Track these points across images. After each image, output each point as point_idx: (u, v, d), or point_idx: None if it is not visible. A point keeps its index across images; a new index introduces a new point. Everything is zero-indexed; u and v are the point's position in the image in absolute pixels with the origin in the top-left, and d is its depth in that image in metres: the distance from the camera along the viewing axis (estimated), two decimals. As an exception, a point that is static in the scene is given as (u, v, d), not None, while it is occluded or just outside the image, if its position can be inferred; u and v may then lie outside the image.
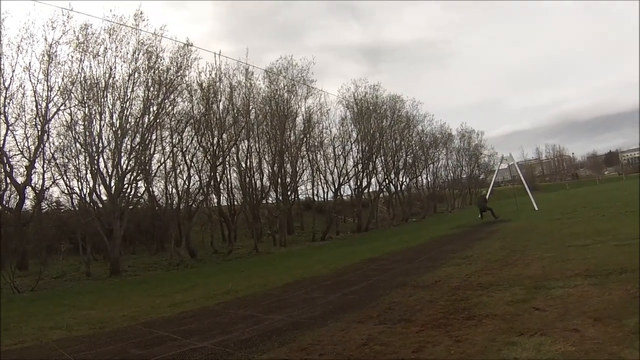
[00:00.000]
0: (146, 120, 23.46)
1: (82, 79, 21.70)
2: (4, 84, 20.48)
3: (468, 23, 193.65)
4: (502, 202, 46.71)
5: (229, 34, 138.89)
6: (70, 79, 21.47)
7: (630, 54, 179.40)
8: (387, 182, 47.73)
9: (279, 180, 33.08)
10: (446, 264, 11.86)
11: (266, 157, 33.71)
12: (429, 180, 61.29)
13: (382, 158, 46.20)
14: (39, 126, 20.81)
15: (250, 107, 31.62)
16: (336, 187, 39.65)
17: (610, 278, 7.27)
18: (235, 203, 32.01)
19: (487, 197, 19.83)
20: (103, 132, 22.20)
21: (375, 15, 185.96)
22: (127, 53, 22.91)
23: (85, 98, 21.74)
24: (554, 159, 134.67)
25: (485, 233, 20.01)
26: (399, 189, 50.37)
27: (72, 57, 21.58)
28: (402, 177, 51.47)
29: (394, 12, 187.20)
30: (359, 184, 42.20)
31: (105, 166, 22.63)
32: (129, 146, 22.96)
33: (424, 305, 7.42)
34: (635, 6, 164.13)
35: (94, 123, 22.01)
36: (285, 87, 33.71)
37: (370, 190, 45.71)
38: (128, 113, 22.79)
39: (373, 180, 45.17)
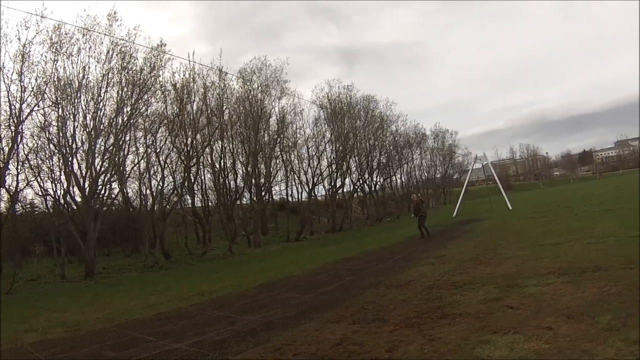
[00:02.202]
0: (120, 120, 23.64)
1: (55, 79, 21.78)
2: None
3: (443, 26, 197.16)
4: (476, 201, 48.04)
5: (207, 34, 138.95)
6: (43, 80, 21.51)
7: (601, 55, 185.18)
8: (361, 182, 48.42)
9: (253, 180, 33.35)
10: (420, 263, 12.16)
11: (240, 157, 34.03)
12: (403, 180, 62.25)
13: (356, 158, 46.80)
14: (12, 127, 20.78)
15: (224, 107, 31.96)
16: (310, 187, 40.15)
17: (583, 276, 7.54)
18: (210, 204, 32.31)
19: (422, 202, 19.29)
20: (77, 133, 22.34)
21: (353, 19, 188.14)
22: (101, 53, 23.15)
23: (58, 99, 21.82)
24: (528, 158, 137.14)
25: (459, 232, 20.45)
26: (373, 189, 51.01)
27: (45, 57, 21.66)
28: (376, 177, 52.11)
29: (371, 16, 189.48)
30: (333, 184, 42.76)
31: (79, 167, 22.76)
32: (102, 147, 23.18)
33: (398, 304, 7.63)
34: (605, 7, 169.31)
35: (68, 124, 22.11)
36: (259, 88, 34.00)
37: (345, 190, 46.44)
38: (102, 114, 22.98)
39: (347, 180, 45.84)
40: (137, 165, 26.84)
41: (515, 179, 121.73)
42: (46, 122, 21.98)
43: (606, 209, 19.45)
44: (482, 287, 7.90)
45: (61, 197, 22.73)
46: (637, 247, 8.97)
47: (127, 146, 25.17)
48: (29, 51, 21.18)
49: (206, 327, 7.90)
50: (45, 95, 21.71)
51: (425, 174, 68.36)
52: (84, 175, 22.49)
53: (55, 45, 21.87)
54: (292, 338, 6.44)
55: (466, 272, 9.74)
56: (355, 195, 49.32)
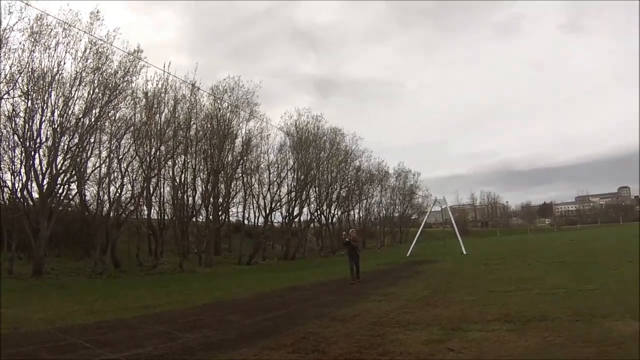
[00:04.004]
0: (87, 121, 23.71)
1: (29, 69, 21.78)
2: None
3: (417, 67, 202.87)
4: (432, 243, 49.05)
5: (187, 47, 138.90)
6: (18, 69, 21.52)
7: (568, 110, 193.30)
8: (318, 213, 49.11)
9: (212, 199, 33.75)
10: (367, 299, 12.35)
11: (201, 174, 34.20)
12: (361, 215, 63.40)
13: (317, 189, 47.60)
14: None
15: (192, 122, 32.35)
16: (267, 212, 40.47)
17: (528, 325, 7.69)
18: (166, 217, 32.30)
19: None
20: (43, 127, 22.33)
21: (333, 50, 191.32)
22: (78, 50, 23.27)
23: (30, 90, 21.80)
24: (488, 205, 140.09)
25: (410, 272, 20.95)
26: (330, 221, 51.67)
27: (23, 45, 21.72)
28: (334, 210, 52.96)
29: (350, 49, 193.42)
30: (290, 211, 43.36)
31: (40, 163, 22.66)
32: (66, 146, 23.14)
33: (340, 337, 7.68)
34: (577, 65, 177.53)
35: (35, 117, 22.07)
36: (229, 107, 34.74)
37: (302, 219, 46.82)
38: (70, 112, 23.01)
39: (305, 209, 46.58)
40: (98, 169, 26.86)
41: (473, 224, 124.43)
42: (14, 112, 21.93)
43: (560, 261, 20.17)
44: (426, 328, 8.04)
45: (18, 190, 22.64)
46: (586, 301, 9.48)
47: (90, 148, 25.21)
48: (8, 37, 21.27)
49: (146, 340, 7.96)
50: (17, 85, 21.67)
51: (384, 212, 69.65)
52: (44, 171, 22.44)
53: (35, 35, 21.96)
54: (230, 361, 6.53)
55: (412, 312, 9.89)
56: (311, 225, 50.07)
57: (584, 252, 25.42)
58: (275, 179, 41.84)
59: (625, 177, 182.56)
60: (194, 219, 33.91)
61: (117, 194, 27.55)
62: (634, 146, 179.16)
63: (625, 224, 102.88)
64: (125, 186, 27.84)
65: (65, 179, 23.56)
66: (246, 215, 42.02)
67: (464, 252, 33.98)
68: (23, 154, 22.25)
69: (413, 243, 40.79)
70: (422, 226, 47.49)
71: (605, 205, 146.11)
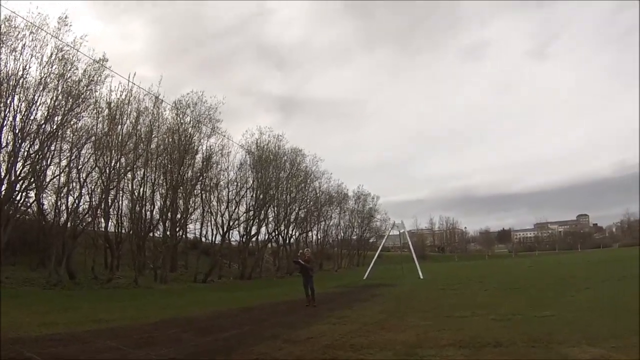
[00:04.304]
0: (48, 128, 23.46)
1: None
2: None
3: (381, 90, 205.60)
4: (389, 267, 49.15)
5: (153, 59, 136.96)
6: None
7: (528, 138, 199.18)
8: (276, 233, 49.22)
9: (170, 215, 33.46)
10: (322, 321, 12.43)
11: (160, 189, 33.91)
12: (319, 237, 63.60)
13: (275, 209, 47.67)
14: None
15: (153, 135, 32.16)
16: (225, 230, 40.48)
17: (483, 350, 7.81)
18: (123, 231, 31.99)
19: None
20: (3, 132, 22.04)
21: (298, 69, 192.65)
22: (44, 55, 23.11)
23: None
24: (446, 230, 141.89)
25: (366, 295, 21.29)
26: (287, 241, 51.80)
27: None
28: (292, 230, 53.07)
29: (316, 69, 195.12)
30: (248, 230, 43.34)
31: None
32: (26, 152, 22.83)
33: None
34: (540, 92, 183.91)
35: None
36: (191, 122, 34.67)
37: (259, 238, 46.96)
38: (32, 118, 22.77)
39: (263, 229, 46.58)
40: (57, 178, 26.48)
41: (431, 249, 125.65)
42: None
43: (517, 287, 20.73)
44: (380, 352, 8.10)
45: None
46: (542, 327, 9.61)
47: (51, 156, 24.89)
48: None
49: (96, 355, 8.03)
50: None
51: (342, 234, 70.14)
52: (2, 177, 22.05)
53: (2, 36, 21.78)
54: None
55: (366, 335, 9.91)
56: (269, 245, 50.07)
57: (541, 278, 26.00)
58: (234, 197, 41.87)
59: (584, 205, 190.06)
60: (151, 234, 33.52)
61: (75, 204, 27.13)
62: (593, 174, 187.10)
63: (583, 251, 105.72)
64: (83, 197, 27.44)
65: (24, 185, 23.23)
66: (204, 232, 41.91)
67: (421, 277, 34.58)
68: (-18, 158, 21.74)
69: (370, 266, 41.41)
70: (379, 249, 47.97)
71: (564, 232, 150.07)
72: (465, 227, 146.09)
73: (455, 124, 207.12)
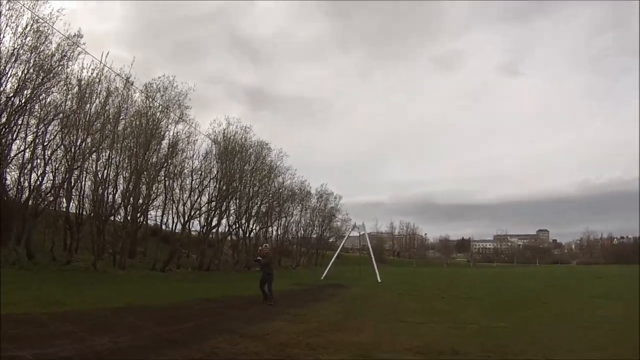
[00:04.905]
0: (17, 101, 22.99)
1: None
2: None
3: (349, 90, 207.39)
4: (347, 268, 50.01)
5: (128, 40, 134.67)
6: None
7: (492, 150, 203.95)
8: (237, 226, 49.10)
9: (132, 199, 33.02)
10: (279, 318, 12.71)
11: (124, 173, 33.33)
12: (279, 232, 63.35)
13: (237, 201, 47.50)
14: None
15: (121, 117, 31.70)
16: (186, 219, 40.11)
17: (439, 358, 8.11)
18: (84, 213, 31.49)
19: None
20: None
21: (271, 63, 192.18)
22: (19, 26, 22.60)
23: None
24: (406, 235, 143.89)
25: (324, 295, 21.93)
26: (247, 235, 51.76)
27: None
28: (253, 224, 53.02)
29: (288, 64, 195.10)
30: (209, 221, 43.10)
31: None
32: None
33: (249, 356, 7.92)
34: (507, 106, 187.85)
35: None
36: (160, 107, 34.37)
37: (219, 230, 46.62)
38: (1, 89, 22.26)
39: (224, 221, 46.41)
40: (22, 153, 25.87)
41: (390, 253, 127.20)
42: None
43: (474, 297, 21.39)
44: (336, 353, 8.30)
45: None
46: (498, 338, 9.95)
47: (17, 130, 24.39)
48: None
49: (54, 340, 8.01)
50: None
51: (302, 232, 70.28)
52: (-34, 150, 21.23)
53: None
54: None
55: (323, 335, 10.13)
56: (228, 237, 49.90)
57: (498, 290, 27.03)
58: (197, 186, 41.43)
59: (545, 221, 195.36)
60: (112, 218, 33.02)
61: (38, 182, 26.51)
62: (556, 191, 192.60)
63: (541, 266, 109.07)
64: (47, 175, 26.78)
65: (-13, 159, 22.47)
66: (164, 220, 41.46)
67: (379, 280, 35.47)
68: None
69: (329, 266, 41.96)
70: (339, 250, 48.54)
71: (523, 246, 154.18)
72: (426, 234, 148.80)
73: (421, 130, 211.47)
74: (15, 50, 22.50)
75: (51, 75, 24.36)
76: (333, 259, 44.18)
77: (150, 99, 34.04)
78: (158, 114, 34.47)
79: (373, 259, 42.10)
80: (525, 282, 36.33)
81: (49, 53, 23.97)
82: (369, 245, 48.00)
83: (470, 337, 10.20)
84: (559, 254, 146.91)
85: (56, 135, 26.81)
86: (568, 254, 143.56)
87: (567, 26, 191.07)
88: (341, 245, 50.74)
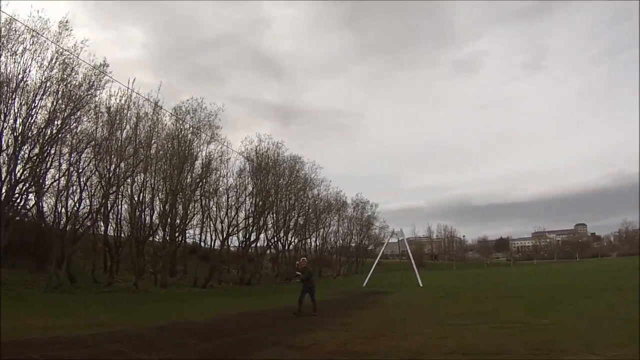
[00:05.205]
0: (49, 132, 23.57)
1: None
2: None
3: (378, 99, 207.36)
4: (388, 274, 49.42)
5: (151, 65, 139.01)
6: None
7: (524, 148, 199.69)
8: (275, 239, 49.45)
9: (169, 220, 33.47)
10: (324, 328, 12.47)
11: (160, 194, 34.00)
12: (318, 243, 63.58)
13: (274, 215, 47.77)
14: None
15: (153, 141, 32.29)
16: (224, 236, 40.53)
17: (485, 358, 7.89)
18: (122, 235, 32.14)
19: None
20: (3, 134, 22.11)
21: (295, 78, 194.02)
22: (44, 59, 23.22)
23: None
24: (444, 239, 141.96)
25: (366, 303, 21.58)
26: (286, 247, 52.02)
27: None
28: (291, 237, 53.22)
29: (313, 78, 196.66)
30: (247, 237, 43.32)
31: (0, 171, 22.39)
32: (26, 155, 22.96)
33: None
34: (535, 104, 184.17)
35: None
36: (190, 129, 34.72)
37: (258, 245, 47.18)
38: (32, 121, 22.87)
39: (262, 235, 46.65)
40: (57, 181, 26.64)
41: (429, 257, 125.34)
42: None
43: (516, 296, 20.89)
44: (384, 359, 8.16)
45: (-25, 198, 22.17)
46: (543, 335, 9.69)
47: (51, 159, 25.06)
48: None
49: (101, 359, 8.10)
50: None
51: (341, 241, 70.20)
52: (2, 179, 22.16)
53: (3, 39, 21.94)
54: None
55: (369, 342, 9.92)
56: (268, 251, 50.28)
57: (540, 287, 26.15)
58: (233, 203, 41.92)
59: (582, 214, 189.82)
60: (150, 239, 33.64)
61: (75, 208, 27.27)
62: (591, 184, 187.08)
63: (581, 260, 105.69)
64: (83, 201, 27.59)
65: (24, 188, 23.37)
66: (203, 237, 42.04)
67: (420, 285, 34.82)
68: (-18, 160, 21.86)
69: (369, 273, 41.61)
70: (379, 257, 48.19)
71: (562, 241, 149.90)
72: (464, 236, 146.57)
73: (450, 134, 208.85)
74: (43, 82, 23.22)
75: (80, 105, 25.02)
76: (374, 266, 43.81)
77: (181, 121, 34.51)
78: (189, 135, 34.85)
79: (414, 264, 41.60)
80: (567, 277, 35.18)
81: (76, 83, 24.67)
82: (409, 250, 47.52)
83: (515, 336, 9.96)
84: (598, 247, 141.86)
85: (90, 162, 27.59)
86: (607, 247, 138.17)
87: (586, 16, 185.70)
88: (381, 252, 50.27)
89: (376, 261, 45.98)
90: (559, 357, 7.81)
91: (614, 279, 25.47)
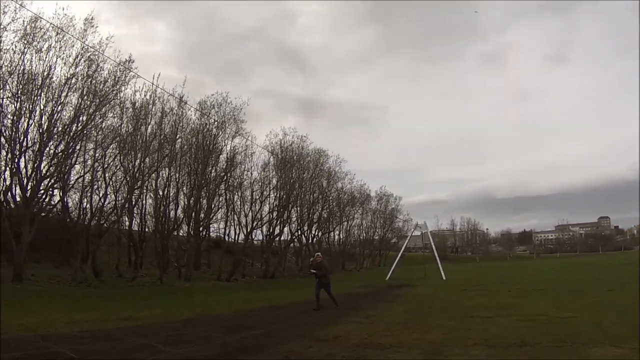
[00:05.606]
0: (74, 128, 23.56)
1: (20, 71, 21.68)
2: None
3: (401, 92, 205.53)
4: (411, 267, 49.15)
5: (176, 60, 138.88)
6: (8, 69, 21.42)
7: (547, 141, 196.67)
8: (299, 233, 49.34)
9: (193, 214, 33.54)
10: (348, 320, 12.36)
11: (184, 189, 34.02)
12: (341, 237, 63.15)
13: (298, 209, 47.64)
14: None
15: (178, 136, 32.28)
16: (248, 230, 40.67)
17: (509, 350, 7.76)
18: (147, 230, 32.26)
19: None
20: (29, 131, 22.15)
21: (320, 71, 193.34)
22: (69, 56, 23.20)
23: (19, 92, 21.67)
24: (467, 231, 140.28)
25: (390, 296, 21.23)
26: (310, 241, 51.74)
27: (15, 46, 21.67)
28: (315, 230, 53.03)
29: (338, 72, 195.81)
30: (271, 230, 43.32)
31: (25, 167, 22.42)
32: (52, 151, 22.97)
33: (322, 358, 7.69)
34: (559, 96, 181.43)
35: (22, 120, 21.91)
36: (215, 123, 34.68)
37: (282, 238, 47.12)
38: (58, 117, 22.85)
39: (286, 229, 46.62)
40: (82, 177, 26.72)
41: (452, 250, 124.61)
42: (2, 114, 21.73)
43: (539, 289, 20.56)
44: (408, 351, 8.02)
45: (1, 193, 22.45)
46: (566, 328, 9.54)
47: (76, 155, 25.11)
48: (1, 37, 21.30)
49: (128, 352, 7.98)
50: (7, 85, 21.58)
51: (364, 234, 69.65)
52: (28, 175, 22.21)
53: (28, 37, 21.94)
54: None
55: (393, 334, 9.83)
56: (291, 245, 50.08)
57: (563, 280, 25.97)
58: (257, 197, 41.90)
59: (606, 208, 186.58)
60: (175, 233, 33.69)
61: (100, 204, 27.36)
62: (614, 176, 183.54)
63: (604, 253, 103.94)
64: (108, 196, 27.65)
65: (49, 184, 23.43)
66: (227, 231, 41.93)
67: (444, 278, 34.51)
68: (8, 156, 22.05)
69: (393, 266, 41.19)
70: (402, 250, 47.67)
71: (585, 234, 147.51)
72: (487, 229, 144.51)
73: (474, 127, 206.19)
74: (68, 79, 23.18)
75: (105, 101, 25.00)
76: (397, 260, 43.27)
77: (206, 116, 34.43)
78: (214, 129, 34.85)
79: (437, 257, 41.20)
80: (590, 271, 34.51)
81: (102, 79, 24.67)
82: (432, 243, 47.07)
83: (539, 328, 9.86)
84: (621, 240, 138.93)
85: (115, 157, 27.62)
86: (630, 240, 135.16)
87: (612, 10, 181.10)
88: (404, 246, 49.63)
89: (399, 254, 45.43)
90: (582, 349, 7.70)
91: (636, 273, 24.71)
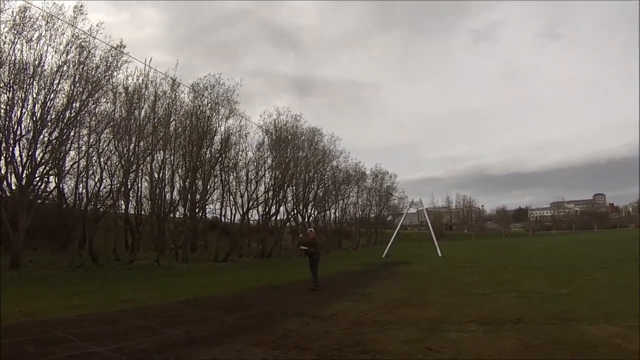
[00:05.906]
0: (67, 115, 23.51)
1: (11, 61, 21.57)
2: None
3: (395, 71, 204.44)
4: (407, 245, 49.74)
5: (167, 44, 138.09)
6: None
7: (542, 118, 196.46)
8: (295, 212, 49.25)
9: (189, 196, 33.59)
10: (345, 298, 12.64)
11: (179, 171, 34.01)
12: (337, 215, 63.24)
13: (294, 188, 47.56)
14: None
15: (172, 118, 32.22)
16: (244, 210, 40.68)
17: (504, 327, 8.01)
18: (143, 213, 32.32)
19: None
20: (23, 120, 22.13)
21: (313, 50, 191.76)
22: (60, 44, 23.04)
23: (11, 82, 21.57)
24: (463, 209, 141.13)
25: (387, 273, 21.52)
26: (306, 220, 51.78)
27: (5, 37, 21.55)
28: (311, 209, 53.19)
29: (330, 50, 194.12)
30: (267, 210, 43.43)
31: (20, 155, 22.46)
32: (46, 139, 22.97)
33: (320, 335, 7.84)
34: (553, 72, 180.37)
35: (15, 109, 21.84)
36: (209, 105, 34.57)
37: (278, 218, 47.05)
38: (51, 105, 22.78)
39: (282, 208, 46.59)
40: (77, 163, 26.81)
41: (447, 227, 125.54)
42: (-5, 103, 21.56)
43: (535, 266, 20.95)
44: (405, 328, 8.25)
45: (-4, 182, 22.40)
46: (561, 305, 9.82)
47: (70, 142, 25.20)
48: None
49: (128, 334, 8.08)
50: None
51: (360, 213, 69.88)
52: (23, 163, 22.27)
53: (18, 27, 21.81)
54: (213, 356, 6.71)
55: (390, 312, 10.15)
56: (287, 224, 50.13)
57: (559, 257, 26.31)
58: (253, 177, 41.84)
59: (601, 185, 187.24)
60: (171, 215, 33.73)
61: (96, 189, 27.35)
62: (609, 154, 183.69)
63: (600, 231, 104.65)
64: (104, 180, 27.57)
65: (44, 171, 23.43)
66: (223, 212, 41.95)
67: (440, 255, 34.71)
68: (3, 145, 21.96)
69: (389, 244, 41.57)
70: (398, 228, 47.93)
71: (580, 211, 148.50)
72: (482, 206, 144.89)
73: (469, 104, 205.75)
74: (60, 67, 23.05)
75: (98, 87, 24.88)
76: (393, 237, 43.66)
77: (199, 98, 34.28)
78: (208, 111, 34.75)
79: (433, 234, 41.55)
80: (585, 248, 35.09)
81: (93, 66, 24.52)
82: (428, 221, 47.25)
83: (534, 305, 10.18)
84: (616, 218, 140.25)
85: (109, 142, 27.55)
86: (626, 218, 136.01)
87: None
88: (400, 223, 50.02)
89: (395, 232, 45.71)
90: (577, 326, 7.89)
91: (632, 250, 25.02)
